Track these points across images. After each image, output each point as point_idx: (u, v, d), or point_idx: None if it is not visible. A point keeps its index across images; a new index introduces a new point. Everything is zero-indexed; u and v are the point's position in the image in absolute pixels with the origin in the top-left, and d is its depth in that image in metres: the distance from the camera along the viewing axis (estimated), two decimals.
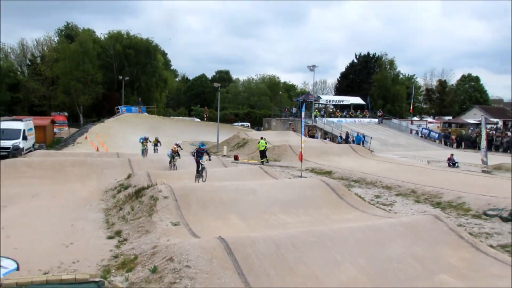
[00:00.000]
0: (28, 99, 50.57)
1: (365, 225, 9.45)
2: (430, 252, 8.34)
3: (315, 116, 43.39)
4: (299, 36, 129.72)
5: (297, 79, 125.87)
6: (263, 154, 24.10)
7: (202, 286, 6.35)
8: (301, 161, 19.24)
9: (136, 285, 6.51)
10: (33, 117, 32.50)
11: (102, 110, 49.63)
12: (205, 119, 52.87)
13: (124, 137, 34.43)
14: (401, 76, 71.76)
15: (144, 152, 20.77)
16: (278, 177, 17.08)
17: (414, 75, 77.38)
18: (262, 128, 49.99)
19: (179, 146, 19.43)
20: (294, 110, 47.00)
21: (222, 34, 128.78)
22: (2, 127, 25.28)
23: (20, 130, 25.35)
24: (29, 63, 56.13)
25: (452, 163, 23.45)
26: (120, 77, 49.15)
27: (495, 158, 25.80)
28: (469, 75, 76.98)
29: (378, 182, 16.99)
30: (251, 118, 61.73)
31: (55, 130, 37.59)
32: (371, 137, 33.86)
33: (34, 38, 67.31)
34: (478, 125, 32.78)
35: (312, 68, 42.10)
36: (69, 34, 55.28)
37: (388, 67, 68.24)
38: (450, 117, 62.66)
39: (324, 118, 44.22)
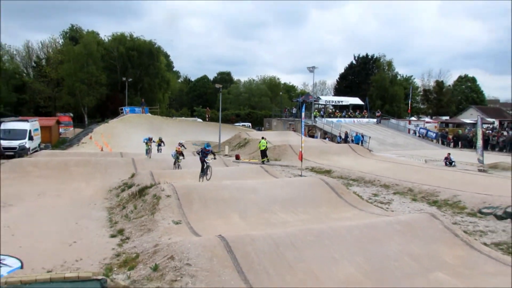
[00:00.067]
0: (33, 100, 50.67)
1: (363, 223, 9.44)
2: (426, 250, 8.33)
3: (315, 116, 43.38)
4: (299, 38, 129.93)
5: (297, 80, 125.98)
6: (264, 153, 24.08)
7: (203, 284, 6.36)
8: (301, 161, 19.23)
9: (137, 283, 6.51)
10: (39, 118, 32.55)
11: (106, 111, 49.68)
12: (207, 119, 52.94)
13: (127, 137, 34.48)
14: (399, 77, 71.73)
15: (148, 152, 20.71)
16: (278, 176, 17.07)
17: (411, 76, 77.56)
18: (263, 128, 50.00)
19: (183, 146, 19.24)
20: (294, 110, 47.01)
21: (223, 36, 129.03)
22: (9, 127, 25.36)
23: (26, 130, 25.41)
24: (35, 65, 56.20)
25: (449, 162, 23.42)
26: (124, 79, 49.25)
27: (491, 157, 25.77)
28: (466, 76, 77.05)
29: (376, 181, 16.97)
30: (252, 119, 61.74)
31: (61, 130, 37.63)
32: (370, 137, 33.85)
33: (39, 41, 67.26)
34: (474, 125, 32.70)
35: (311, 69, 42.12)
36: (73, 36, 55.33)
37: (386, 68, 68.19)
38: (447, 117, 62.54)
39: (323, 118, 44.20)
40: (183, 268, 6.69)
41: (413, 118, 55.24)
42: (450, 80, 75.71)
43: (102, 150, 27.63)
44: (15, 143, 24.21)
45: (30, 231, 9.64)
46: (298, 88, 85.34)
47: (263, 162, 23.21)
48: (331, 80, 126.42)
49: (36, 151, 25.44)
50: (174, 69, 78.92)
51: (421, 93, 74.87)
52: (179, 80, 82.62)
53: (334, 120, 43.50)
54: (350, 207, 12.08)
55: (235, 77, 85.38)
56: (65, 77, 49.47)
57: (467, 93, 74.58)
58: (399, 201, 13.99)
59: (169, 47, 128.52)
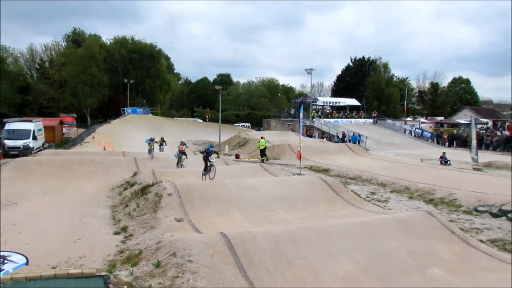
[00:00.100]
0: (37, 101, 50.56)
1: (360, 221, 9.44)
2: (423, 246, 8.33)
3: (313, 117, 43.39)
4: (297, 41, 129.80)
5: (295, 82, 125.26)
6: (263, 153, 24.07)
7: (204, 280, 6.34)
8: (300, 160, 19.23)
9: (140, 279, 6.48)
10: (42, 118, 32.51)
11: (108, 112, 49.60)
12: (207, 120, 52.86)
13: (129, 137, 34.43)
14: (395, 78, 71.75)
15: (150, 151, 20.55)
16: (277, 174, 17.04)
17: (407, 77, 77.49)
18: (262, 129, 49.96)
19: (185, 144, 19.12)
20: (292, 111, 47.00)
21: (223, 39, 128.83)
22: (13, 128, 25.33)
23: (30, 130, 25.38)
24: (38, 67, 56.08)
25: (444, 161, 23.42)
26: (125, 80, 49.18)
27: (485, 156, 25.79)
28: (460, 77, 77.16)
29: (374, 180, 16.96)
30: (252, 119, 61.68)
31: (64, 130, 37.57)
32: (367, 137, 33.85)
33: (43, 44, 67.24)
34: (468, 125, 32.72)
35: (309, 71, 42.13)
36: (76, 39, 55.20)
37: (383, 70, 68.26)
38: (442, 118, 62.56)
39: (321, 119, 44.21)
40: (185, 264, 6.67)
41: (408, 119, 55.29)
42: (444, 82, 75.94)
43: (104, 149, 27.58)
44: (19, 143, 24.19)
45: (35, 228, 9.61)
46: (296, 90, 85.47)
47: (262, 161, 23.18)
48: (329, 81, 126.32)
49: (40, 150, 25.39)
50: (175, 71, 78.94)
51: (417, 94, 74.93)
52: (180, 82, 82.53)
53: (332, 120, 43.50)
54: (348, 205, 12.07)
55: (235, 79, 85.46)
56: (68, 79, 49.42)
57: (461, 94, 74.70)
58: (396, 199, 13.98)
59: (169, 49, 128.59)
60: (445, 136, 39.03)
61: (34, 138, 25.54)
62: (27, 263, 7.21)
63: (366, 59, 69.10)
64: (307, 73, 42.56)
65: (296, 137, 29.91)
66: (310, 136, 38.16)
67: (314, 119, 43.04)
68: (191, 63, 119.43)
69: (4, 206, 11.64)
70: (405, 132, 42.85)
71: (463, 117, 58.90)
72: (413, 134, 41.78)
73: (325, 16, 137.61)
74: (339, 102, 51.37)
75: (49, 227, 9.80)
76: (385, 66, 68.50)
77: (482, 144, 32.88)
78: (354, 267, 7.34)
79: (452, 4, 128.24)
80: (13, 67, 52.01)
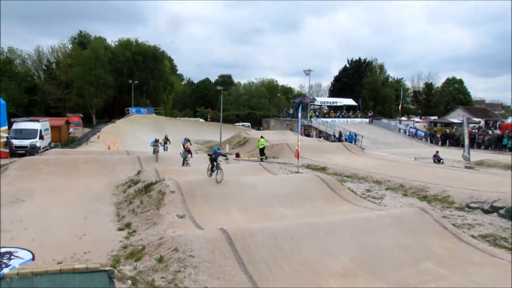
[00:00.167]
0: (44, 102, 50.55)
1: (356, 217, 9.44)
2: (416, 241, 8.34)
3: (311, 117, 43.33)
4: (295, 43, 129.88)
5: (294, 83, 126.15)
6: (262, 151, 24.06)
7: (205, 274, 6.35)
8: (298, 158, 19.22)
9: (143, 273, 6.49)
10: (49, 118, 32.45)
11: (113, 112, 49.59)
12: (208, 119, 52.82)
13: (134, 136, 34.42)
14: (390, 79, 71.65)
15: (155, 151, 20.14)
16: (276, 173, 17.04)
17: (402, 78, 77.43)
18: (261, 128, 49.90)
19: (188, 141, 18.93)
20: (291, 111, 46.95)
21: (224, 41, 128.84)
22: (20, 127, 25.30)
23: (37, 130, 25.34)
24: (45, 68, 56.08)
25: (437, 159, 23.40)
26: (130, 81, 49.13)
27: (477, 155, 25.80)
28: (453, 78, 77.12)
29: (369, 177, 16.96)
30: (252, 119, 61.64)
31: (70, 130, 37.54)
32: (363, 136, 33.82)
33: (50, 46, 66.83)
34: (461, 124, 32.71)
35: (307, 72, 42.08)
36: (82, 41, 55.20)
37: (378, 71, 68.15)
38: (436, 117, 62.56)
39: (319, 118, 44.17)
40: (186, 259, 6.68)
41: (403, 118, 55.27)
42: (438, 82, 75.86)
43: (109, 148, 27.55)
44: (26, 142, 24.15)
45: (41, 225, 9.61)
46: (295, 90, 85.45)
47: (261, 160, 23.17)
48: (326, 82, 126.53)
49: (47, 149, 25.36)
50: (178, 72, 78.81)
51: (411, 95, 74.87)
52: (183, 83, 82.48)
53: (329, 120, 43.45)
54: (344, 202, 12.08)
55: (236, 80, 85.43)
56: (74, 80, 49.42)
57: (454, 94, 74.66)
58: (391, 196, 13.99)
59: (172, 51, 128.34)
60: (439, 135, 38.99)
61: (41, 137, 25.50)
62: (33, 259, 7.21)
63: (362, 60, 69.07)
64: (305, 74, 42.54)
65: (295, 136, 29.92)
66: (308, 135, 38.13)
67: (312, 119, 42.99)
68: (193, 64, 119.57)
69: (11, 204, 11.64)
70: (399, 131, 42.80)
71: (456, 117, 58.86)
72: (407, 133, 41.74)
73: (323, 19, 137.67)
74: (336, 102, 51.33)
75: (55, 223, 9.80)
76: (381, 67, 68.44)
77: (474, 143, 32.86)
78: (350, 261, 7.36)
79: (445, 5, 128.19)
80: (21, 68, 52.02)
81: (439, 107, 69.38)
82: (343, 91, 64.64)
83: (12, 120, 26.38)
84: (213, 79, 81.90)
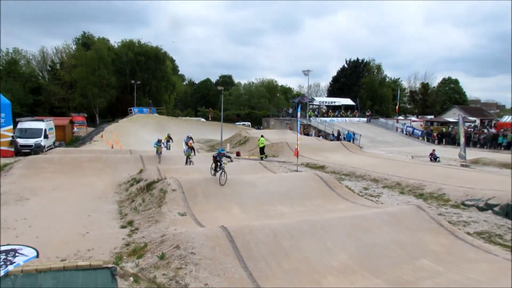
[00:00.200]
0: (48, 101, 50.53)
1: (354, 215, 9.44)
2: (413, 238, 8.33)
3: (310, 116, 43.31)
4: (294, 44, 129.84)
5: (293, 83, 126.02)
6: (262, 150, 24.05)
7: (206, 271, 6.34)
8: (297, 157, 19.20)
9: (145, 270, 6.48)
10: (53, 118, 32.40)
11: (116, 111, 49.56)
12: (209, 119, 52.82)
13: (136, 135, 34.41)
14: (387, 79, 71.63)
15: (158, 153, 19.93)
16: (276, 171, 17.03)
17: (399, 78, 77.40)
18: (261, 127, 49.89)
19: (191, 138, 18.83)
20: (290, 110, 46.95)
21: (224, 42, 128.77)
22: (25, 127, 25.29)
23: (41, 129, 25.33)
24: (49, 68, 56.03)
25: (433, 158, 23.39)
26: (132, 81, 49.13)
27: (473, 153, 25.77)
28: (449, 78, 77.03)
29: (367, 176, 16.95)
30: (252, 118, 61.62)
31: (74, 129, 37.52)
32: (360, 135, 33.80)
33: (54, 46, 67.15)
34: (457, 123, 32.68)
35: (306, 72, 42.10)
36: (85, 42, 55.13)
37: (376, 71, 68.16)
38: (432, 116, 62.45)
39: (317, 118, 44.14)
40: (187, 256, 6.67)
41: (400, 117, 55.07)
42: (434, 82, 75.83)
43: (112, 147, 27.54)
44: (31, 141, 24.13)
45: (45, 222, 9.60)
46: (294, 90, 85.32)
47: (261, 158, 23.16)
48: (325, 82, 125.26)
49: (51, 148, 25.36)
50: (180, 73, 78.68)
51: (408, 94, 74.86)
52: (184, 83, 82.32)
53: (328, 119, 43.44)
54: (342, 200, 12.08)
55: (236, 80, 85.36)
56: (78, 80, 49.40)
57: (450, 94, 74.56)
58: (388, 194, 13.98)
59: (174, 52, 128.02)
60: (435, 134, 38.97)
61: (46, 136, 25.49)
62: (37, 256, 7.19)
63: (360, 61, 69.00)
64: (304, 75, 42.62)
65: (294, 135, 29.92)
66: (307, 134, 38.12)
67: (311, 118, 42.96)
68: (194, 64, 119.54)
69: (16, 202, 11.63)
70: (397, 130, 42.79)
71: (452, 116, 58.76)
72: (404, 132, 41.72)
73: (322, 21, 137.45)
74: (334, 102, 51.30)
75: (59, 221, 9.78)
76: (378, 67, 68.44)
77: (470, 141, 32.83)
78: (347, 257, 7.35)
79: (442, 6, 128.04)
80: (26, 69, 51.99)
81: (435, 107, 69.33)
82: (341, 91, 64.58)
83: (17, 119, 26.35)
84: (214, 79, 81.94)
